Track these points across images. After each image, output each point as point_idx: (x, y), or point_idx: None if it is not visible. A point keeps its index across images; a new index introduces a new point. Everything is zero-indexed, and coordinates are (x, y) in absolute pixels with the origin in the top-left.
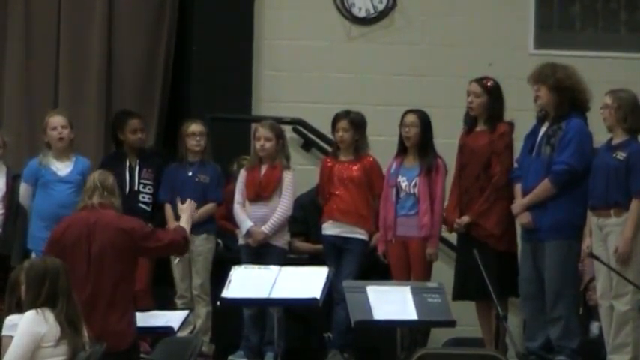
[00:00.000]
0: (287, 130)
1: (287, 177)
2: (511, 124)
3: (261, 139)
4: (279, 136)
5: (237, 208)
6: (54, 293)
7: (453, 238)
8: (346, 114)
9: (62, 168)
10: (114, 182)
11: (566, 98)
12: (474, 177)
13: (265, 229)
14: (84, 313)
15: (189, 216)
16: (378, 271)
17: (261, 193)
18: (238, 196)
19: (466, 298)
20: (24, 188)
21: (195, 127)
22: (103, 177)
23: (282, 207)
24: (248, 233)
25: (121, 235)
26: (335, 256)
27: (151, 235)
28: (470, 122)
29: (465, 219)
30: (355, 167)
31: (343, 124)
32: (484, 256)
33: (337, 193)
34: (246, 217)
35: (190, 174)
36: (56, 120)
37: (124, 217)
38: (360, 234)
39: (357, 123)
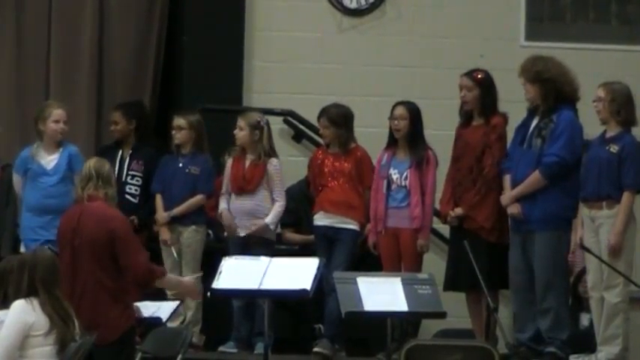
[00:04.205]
0: (278, 121)
1: (273, 168)
2: (505, 116)
3: (236, 127)
4: (255, 127)
5: (222, 208)
6: (33, 285)
7: (443, 229)
8: (325, 110)
9: (50, 160)
10: (110, 170)
11: (549, 90)
12: (467, 169)
13: (267, 220)
14: (73, 305)
15: (184, 288)
16: (369, 262)
17: (245, 186)
18: (224, 187)
19: (457, 290)
20: (15, 178)
21: (174, 121)
22: (99, 165)
23: (279, 200)
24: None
25: (102, 232)
26: (326, 247)
27: (129, 249)
28: (465, 115)
29: (458, 211)
30: (345, 160)
31: (322, 121)
32: (475, 248)
33: (328, 185)
34: (225, 203)
35: (181, 165)
36: (60, 113)
37: (110, 213)
38: (351, 224)
39: (336, 120)
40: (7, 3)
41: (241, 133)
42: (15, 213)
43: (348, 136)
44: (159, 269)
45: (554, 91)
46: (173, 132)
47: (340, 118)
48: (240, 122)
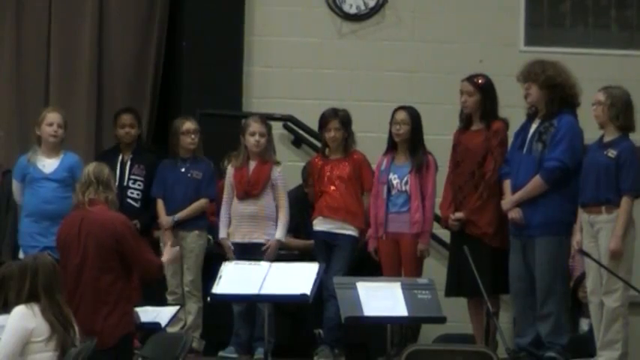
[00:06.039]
0: (278, 126)
1: (278, 174)
2: (506, 121)
3: (256, 134)
4: (269, 131)
5: (222, 214)
6: (34, 291)
7: (443, 235)
8: (335, 113)
9: (48, 165)
10: (109, 174)
11: (556, 95)
12: (468, 174)
13: (278, 236)
14: (73, 310)
15: (170, 260)
16: (369, 267)
17: (250, 190)
18: (225, 195)
19: (458, 295)
20: (15, 185)
21: (190, 125)
22: (98, 170)
23: (284, 208)
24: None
25: (107, 235)
26: (325, 253)
27: (138, 249)
28: (465, 120)
29: (458, 214)
30: (345, 164)
31: (334, 123)
32: (476, 253)
33: (327, 190)
34: (225, 226)
35: (183, 170)
36: (54, 116)
37: (111, 215)
38: (350, 230)
39: (346, 121)
40: (7, 12)
41: (263, 138)
42: (15, 219)
43: (352, 138)
44: (161, 261)
45: (560, 96)
46: (192, 136)
47: (347, 120)
48: (262, 128)
